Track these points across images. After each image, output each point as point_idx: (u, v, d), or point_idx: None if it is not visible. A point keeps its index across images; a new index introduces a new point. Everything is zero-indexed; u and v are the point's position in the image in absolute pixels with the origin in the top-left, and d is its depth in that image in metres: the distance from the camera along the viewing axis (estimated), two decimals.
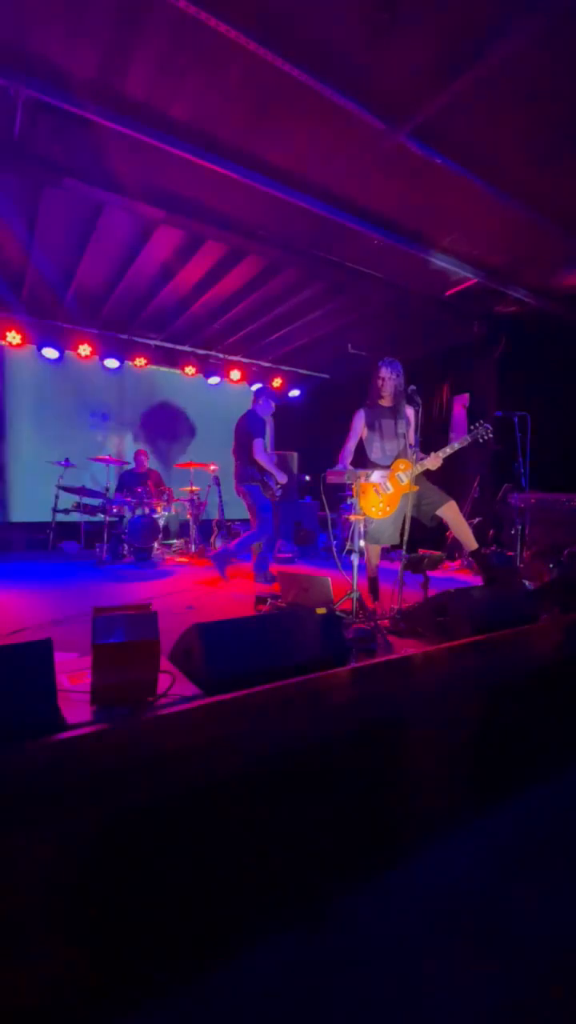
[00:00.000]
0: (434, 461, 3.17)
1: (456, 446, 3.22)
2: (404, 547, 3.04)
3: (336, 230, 4.15)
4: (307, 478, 7.77)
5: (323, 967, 1.33)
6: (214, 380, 7.76)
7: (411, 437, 3.33)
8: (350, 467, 3.32)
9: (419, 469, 3.16)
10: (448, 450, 3.20)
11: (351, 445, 3.46)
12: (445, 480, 3.41)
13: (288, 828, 1.61)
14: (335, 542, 5.67)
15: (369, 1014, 1.20)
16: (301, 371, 8.55)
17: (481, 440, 3.21)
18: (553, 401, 5.20)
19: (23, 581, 4.38)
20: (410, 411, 3.36)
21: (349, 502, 3.08)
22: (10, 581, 4.36)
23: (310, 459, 9.22)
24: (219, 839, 1.48)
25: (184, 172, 3.47)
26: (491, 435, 3.19)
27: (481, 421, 3.25)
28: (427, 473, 3.26)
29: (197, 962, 1.33)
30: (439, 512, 3.27)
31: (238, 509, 8.03)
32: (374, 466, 3.36)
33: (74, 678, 1.71)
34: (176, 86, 2.81)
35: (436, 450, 3.21)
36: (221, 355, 7.71)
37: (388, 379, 3.36)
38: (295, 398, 8.71)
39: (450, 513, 3.28)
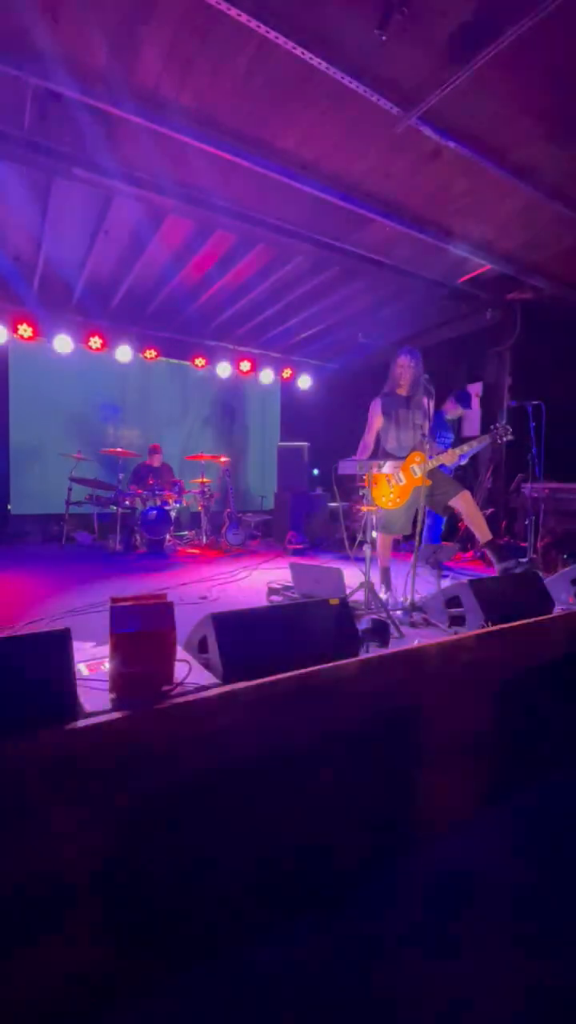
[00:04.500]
0: (450, 457, 3.16)
1: (475, 444, 3.21)
2: (417, 538, 3.03)
3: (347, 217, 4.10)
4: (316, 472, 7.74)
5: (341, 950, 1.35)
6: (225, 371, 7.75)
7: (426, 427, 3.30)
8: (362, 458, 3.31)
9: (434, 463, 3.14)
10: (466, 447, 3.18)
11: (370, 438, 3.43)
12: (457, 469, 3.38)
13: (302, 816, 1.63)
14: (346, 533, 5.66)
15: (385, 996, 1.22)
16: (311, 361, 8.50)
17: (500, 441, 3.18)
18: (568, 389, 5.11)
19: (39, 572, 4.44)
20: (426, 401, 3.33)
21: (362, 493, 3.08)
22: (26, 572, 4.42)
23: (320, 450, 9.18)
24: (236, 825, 1.50)
25: (194, 160, 3.44)
26: (511, 436, 3.15)
27: (503, 423, 3.21)
28: None
29: (215, 945, 1.36)
30: (452, 503, 3.25)
31: (249, 500, 8.08)
32: (389, 456, 3.35)
33: (91, 667, 1.74)
34: (186, 73, 2.77)
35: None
36: (231, 346, 7.68)
37: (407, 368, 3.32)
38: (305, 389, 8.66)
39: (463, 503, 3.25)
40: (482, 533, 3.34)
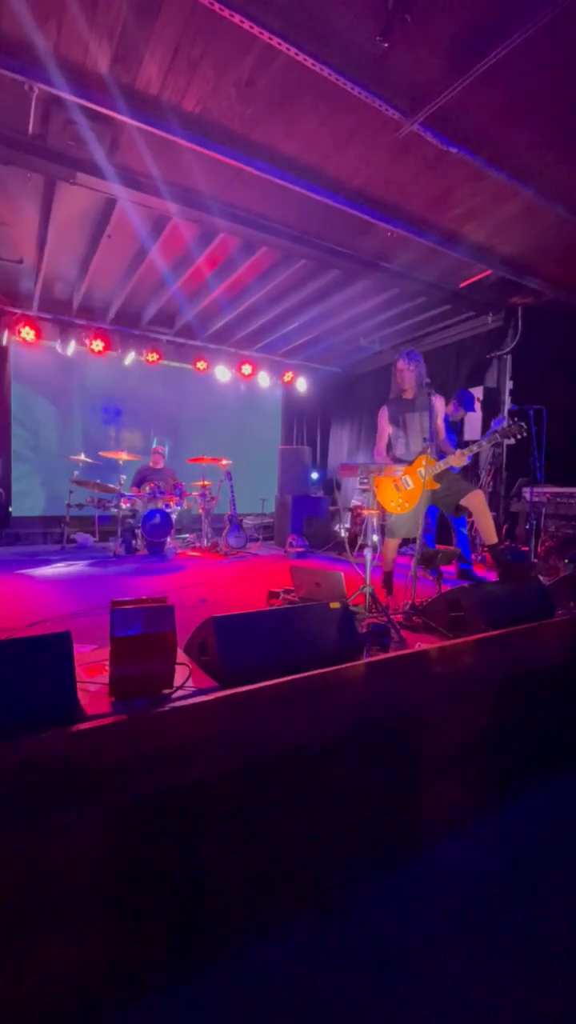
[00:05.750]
0: (458, 459, 3.11)
1: (485, 444, 3.14)
2: (418, 542, 3.02)
3: (349, 221, 4.11)
4: (316, 475, 7.74)
5: (340, 953, 1.34)
6: (225, 375, 7.76)
7: (440, 426, 3.27)
8: (363, 462, 3.31)
9: (442, 466, 3.11)
10: (475, 447, 3.13)
11: (382, 445, 3.43)
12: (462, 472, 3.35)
13: (302, 819, 1.62)
14: (347, 536, 5.66)
15: (380, 1000, 1.22)
16: (312, 365, 8.52)
17: (515, 438, 3.04)
18: (569, 394, 5.12)
19: (39, 574, 4.44)
20: (439, 401, 3.29)
21: (362, 497, 3.07)
22: (26, 573, 4.42)
23: (322, 453, 9.18)
24: (234, 829, 1.50)
25: (197, 165, 3.46)
26: (524, 433, 3.03)
27: (515, 419, 3.13)
28: None
29: (215, 947, 1.35)
30: (464, 502, 3.20)
31: (250, 503, 8.07)
32: (398, 462, 3.34)
33: (91, 670, 1.74)
34: (189, 79, 2.79)
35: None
36: (232, 349, 7.70)
37: (406, 370, 3.32)
38: (306, 392, 8.67)
39: (476, 502, 3.20)
40: (488, 534, 3.31)
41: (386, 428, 3.42)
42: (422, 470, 3.15)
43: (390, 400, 3.44)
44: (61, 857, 1.25)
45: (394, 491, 3.28)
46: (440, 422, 3.31)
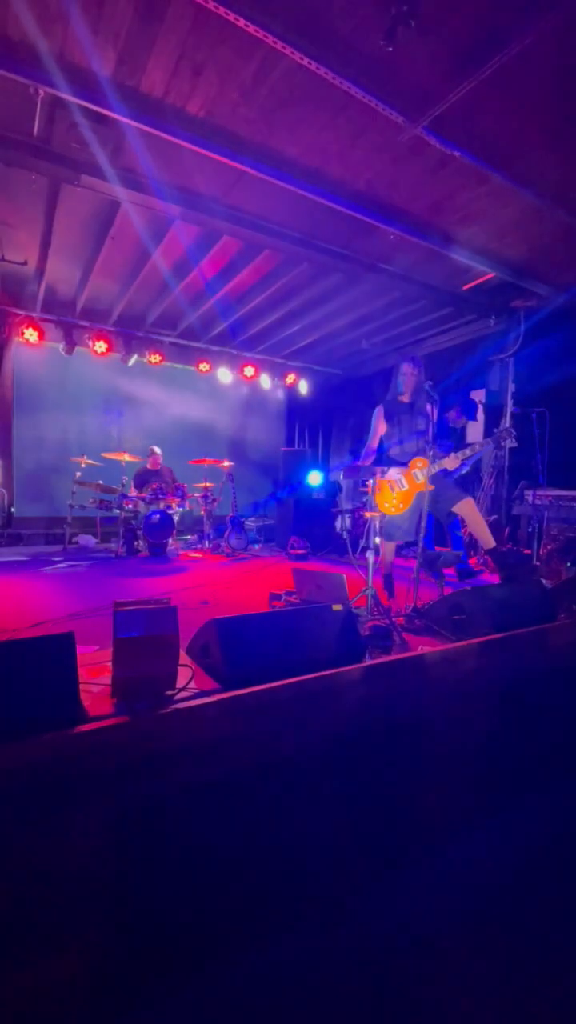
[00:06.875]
0: (452, 462, 3.15)
1: (478, 449, 3.20)
2: (419, 544, 3.02)
3: (352, 224, 4.12)
4: (318, 477, 7.75)
5: (341, 958, 1.34)
6: (227, 376, 7.77)
7: (430, 433, 3.31)
8: (366, 464, 3.33)
9: (436, 468, 3.14)
10: (468, 452, 3.18)
11: (374, 444, 3.45)
12: (460, 478, 3.38)
13: (304, 821, 1.62)
14: (348, 538, 5.66)
15: (381, 1002, 1.21)
16: (314, 367, 8.52)
17: (503, 445, 3.18)
18: (571, 397, 5.12)
19: (41, 574, 4.44)
20: (429, 407, 3.34)
21: (365, 499, 3.09)
22: (29, 574, 4.43)
23: (324, 455, 9.18)
24: (239, 830, 1.50)
25: (200, 167, 3.48)
26: (515, 442, 3.15)
27: (507, 426, 3.22)
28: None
29: (215, 950, 1.35)
30: (455, 509, 3.25)
31: (252, 505, 8.08)
32: (393, 462, 3.36)
33: (94, 671, 1.74)
34: (193, 82, 2.81)
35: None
36: (234, 351, 7.71)
37: (410, 375, 3.35)
38: (309, 394, 8.68)
39: (467, 509, 3.25)
40: (485, 540, 3.33)
41: (380, 427, 3.43)
42: (418, 471, 3.19)
43: (387, 400, 3.46)
44: (64, 858, 1.25)
45: (388, 492, 3.29)
46: (431, 428, 3.34)
